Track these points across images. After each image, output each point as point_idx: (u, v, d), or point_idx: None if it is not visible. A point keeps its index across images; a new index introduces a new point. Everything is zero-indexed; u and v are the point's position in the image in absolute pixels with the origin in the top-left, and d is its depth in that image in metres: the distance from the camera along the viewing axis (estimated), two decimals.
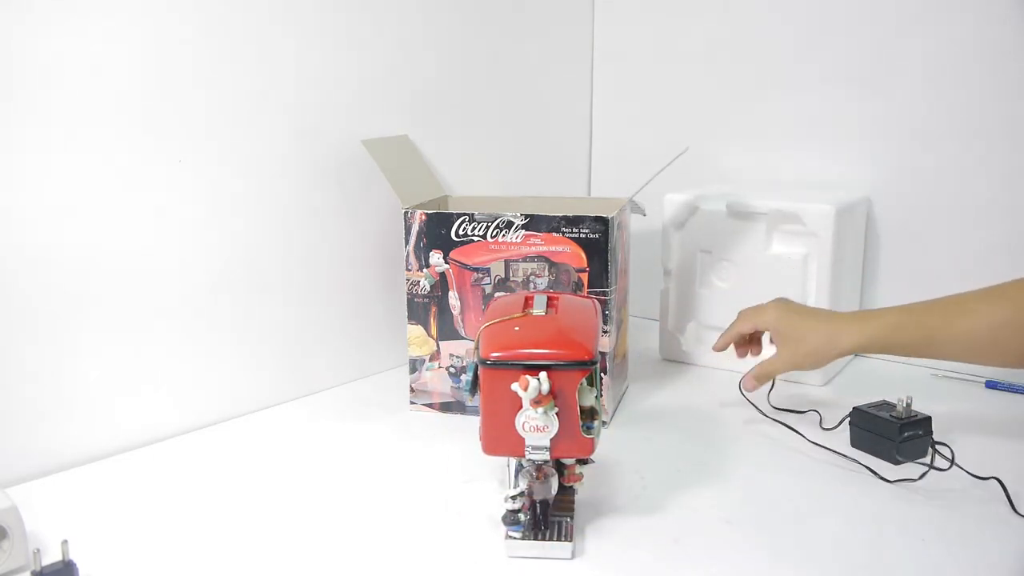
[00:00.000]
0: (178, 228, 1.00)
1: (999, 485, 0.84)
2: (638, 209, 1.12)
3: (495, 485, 0.88)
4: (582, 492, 0.83)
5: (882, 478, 0.88)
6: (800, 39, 1.29)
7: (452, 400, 1.09)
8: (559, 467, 0.80)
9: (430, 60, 1.26)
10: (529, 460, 0.77)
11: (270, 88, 1.06)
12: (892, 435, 0.91)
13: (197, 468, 0.94)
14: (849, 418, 0.97)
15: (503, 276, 1.05)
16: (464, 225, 1.04)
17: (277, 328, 1.12)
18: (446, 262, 1.05)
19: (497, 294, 1.04)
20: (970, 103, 1.16)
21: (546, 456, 0.76)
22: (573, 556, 0.76)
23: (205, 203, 1.02)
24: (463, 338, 1.07)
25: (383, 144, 1.14)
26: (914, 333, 0.91)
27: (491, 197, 1.27)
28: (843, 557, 0.75)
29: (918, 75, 1.20)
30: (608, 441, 0.96)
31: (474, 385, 0.78)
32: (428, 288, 1.07)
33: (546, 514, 0.78)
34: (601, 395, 0.80)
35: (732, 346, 1.06)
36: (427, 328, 1.08)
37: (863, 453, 0.94)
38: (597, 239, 1.01)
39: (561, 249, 1.02)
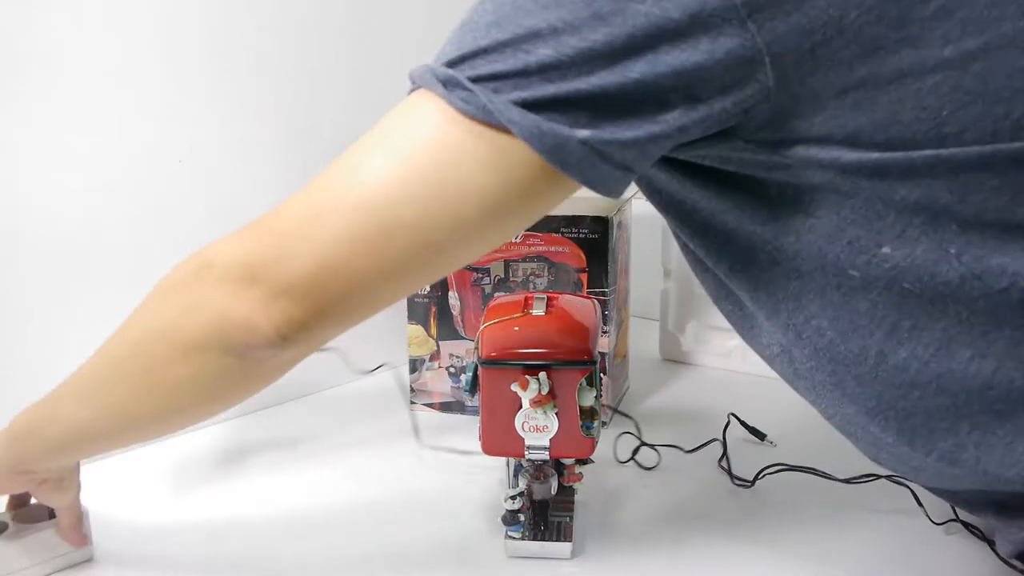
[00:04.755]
0: (177, 228, 1.00)
1: None
2: (640, 195, 1.11)
3: (495, 485, 0.88)
4: (582, 492, 0.83)
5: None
6: None
7: (452, 400, 1.09)
8: (559, 467, 0.80)
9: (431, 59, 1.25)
10: (529, 460, 0.77)
11: (271, 86, 1.06)
12: None
13: (197, 468, 0.94)
14: None
15: (503, 276, 1.05)
16: None
17: None
18: None
19: (497, 294, 1.04)
20: None
21: (545, 456, 0.76)
22: (572, 556, 0.76)
23: (204, 203, 1.02)
24: (463, 338, 1.07)
25: None
26: None
27: None
28: (845, 550, 0.75)
29: None
30: (608, 441, 0.96)
31: (474, 385, 0.78)
32: (428, 288, 1.07)
33: (545, 514, 0.78)
34: (600, 395, 0.80)
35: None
36: (427, 328, 1.08)
37: None
38: (597, 239, 1.01)
39: (561, 249, 1.02)
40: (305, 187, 0.58)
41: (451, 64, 0.53)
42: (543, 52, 0.51)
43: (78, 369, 0.66)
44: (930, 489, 0.71)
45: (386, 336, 1.23)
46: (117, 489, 0.88)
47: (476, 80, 0.52)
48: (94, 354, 0.65)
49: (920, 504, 0.78)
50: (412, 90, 0.57)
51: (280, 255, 0.55)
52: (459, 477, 0.90)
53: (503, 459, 0.83)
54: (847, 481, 0.83)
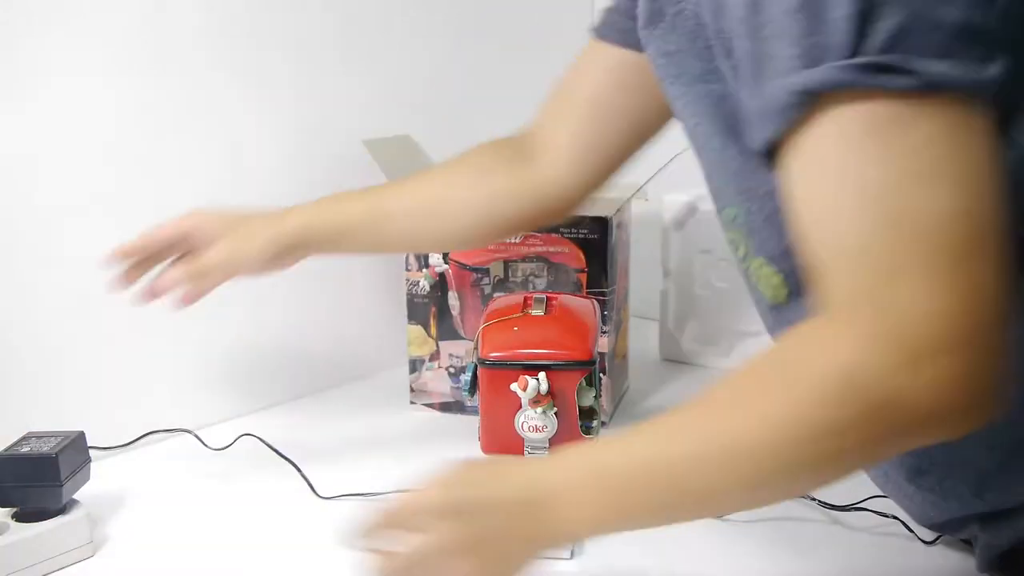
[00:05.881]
0: None
1: None
2: (641, 195, 1.11)
3: None
4: None
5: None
6: None
7: (452, 400, 1.10)
8: None
9: (432, 59, 1.26)
10: None
11: (271, 87, 1.06)
12: None
13: (196, 468, 0.94)
14: None
15: (502, 276, 1.05)
16: None
17: (277, 328, 1.12)
18: (446, 262, 1.06)
19: (496, 294, 1.04)
20: None
21: (545, 456, 0.76)
22: (572, 556, 0.76)
23: (205, 203, 1.02)
24: (463, 338, 1.08)
25: (385, 144, 1.15)
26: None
27: None
28: (840, 554, 0.75)
29: None
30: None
31: (473, 385, 0.78)
32: (428, 288, 1.07)
33: None
34: (600, 395, 0.80)
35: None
36: (427, 328, 1.08)
37: None
38: (596, 239, 1.01)
39: (560, 250, 1.02)
40: (891, 275, 0.47)
41: (884, 49, 0.46)
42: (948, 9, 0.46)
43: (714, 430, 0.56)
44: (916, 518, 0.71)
45: (386, 336, 1.23)
46: (117, 489, 0.89)
47: (912, 53, 0.46)
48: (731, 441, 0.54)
49: (909, 529, 0.77)
50: (808, 104, 0.48)
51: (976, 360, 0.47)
52: None
53: None
54: (836, 508, 0.82)
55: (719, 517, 0.60)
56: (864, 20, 0.46)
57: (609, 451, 0.57)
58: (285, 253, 0.83)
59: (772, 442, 0.51)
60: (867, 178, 0.48)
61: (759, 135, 0.52)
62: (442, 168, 0.89)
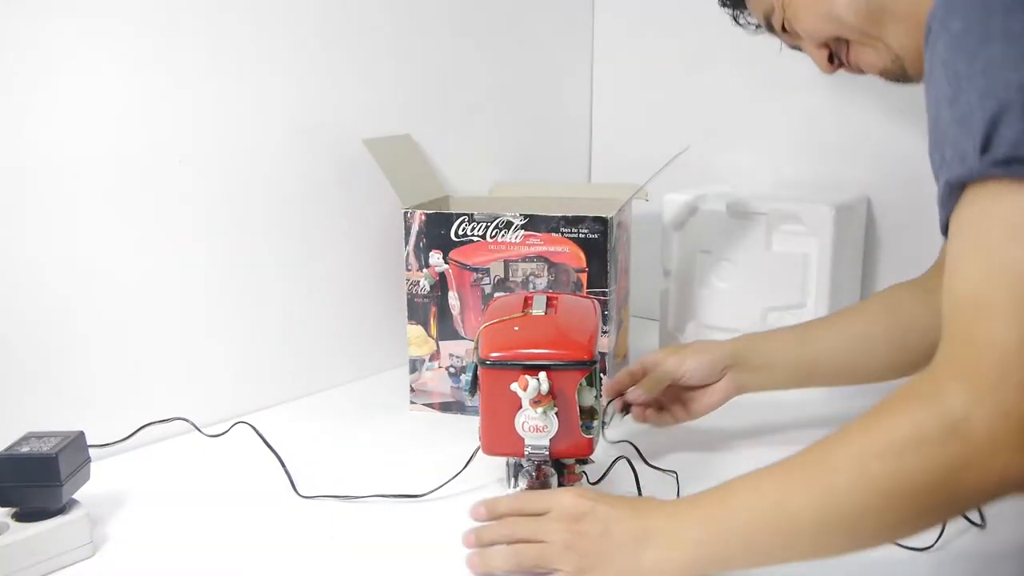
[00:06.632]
0: (178, 227, 1.00)
1: None
2: (641, 195, 1.11)
3: (495, 485, 0.88)
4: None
5: None
6: None
7: (452, 400, 1.09)
8: (558, 467, 0.80)
9: (432, 60, 1.26)
10: (529, 460, 0.77)
11: (271, 86, 1.06)
12: None
13: (196, 468, 0.94)
14: None
15: (502, 276, 1.05)
16: (463, 225, 1.04)
17: (277, 328, 1.12)
18: (446, 262, 1.06)
19: (496, 294, 1.04)
20: None
21: (545, 456, 0.76)
22: None
23: (205, 202, 1.02)
24: (463, 338, 1.08)
25: (385, 143, 1.15)
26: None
27: (491, 197, 1.27)
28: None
29: None
30: (607, 441, 0.96)
31: (473, 385, 0.78)
32: (428, 288, 1.07)
33: None
34: (600, 395, 0.80)
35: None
36: (427, 328, 1.08)
37: None
38: (596, 239, 1.01)
39: (560, 249, 1.02)
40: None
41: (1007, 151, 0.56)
42: None
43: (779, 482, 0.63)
44: None
45: (386, 336, 1.23)
46: (117, 489, 0.89)
47: None
48: (799, 492, 0.61)
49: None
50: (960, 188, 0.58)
51: None
52: (459, 477, 0.90)
53: (503, 459, 0.83)
54: None
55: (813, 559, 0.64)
56: (992, 128, 0.56)
57: (715, 506, 0.64)
58: (718, 363, 0.94)
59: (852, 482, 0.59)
60: (978, 240, 0.58)
61: (941, 220, 0.62)
62: (859, 306, 0.98)
